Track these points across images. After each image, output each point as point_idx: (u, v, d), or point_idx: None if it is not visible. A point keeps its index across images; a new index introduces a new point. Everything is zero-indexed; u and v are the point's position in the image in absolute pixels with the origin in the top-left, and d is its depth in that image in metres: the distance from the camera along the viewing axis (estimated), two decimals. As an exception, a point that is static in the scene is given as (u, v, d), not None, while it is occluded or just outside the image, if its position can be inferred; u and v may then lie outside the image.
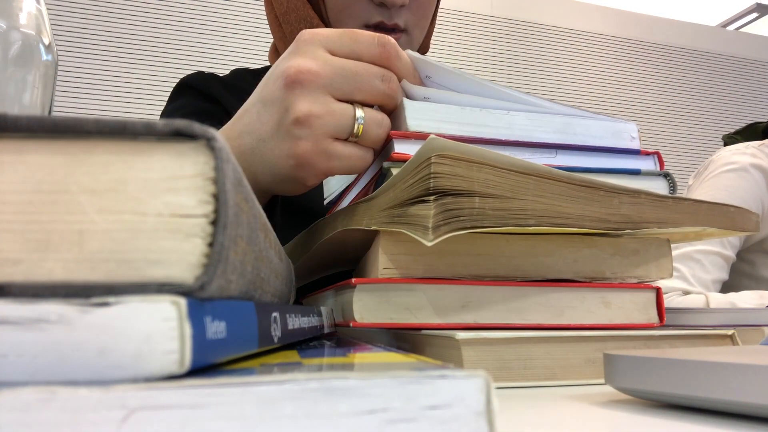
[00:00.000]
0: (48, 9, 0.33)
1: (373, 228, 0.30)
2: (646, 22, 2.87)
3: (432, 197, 0.28)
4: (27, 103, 0.32)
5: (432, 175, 0.27)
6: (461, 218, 0.27)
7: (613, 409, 0.21)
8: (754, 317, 0.40)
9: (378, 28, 0.66)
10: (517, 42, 2.62)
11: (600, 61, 2.76)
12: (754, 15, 3.04)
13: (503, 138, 0.36)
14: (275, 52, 0.79)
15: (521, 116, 0.36)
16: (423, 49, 0.75)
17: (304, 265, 0.43)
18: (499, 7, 2.61)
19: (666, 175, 0.37)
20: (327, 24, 0.70)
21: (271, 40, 0.79)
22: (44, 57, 0.33)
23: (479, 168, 0.28)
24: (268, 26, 0.76)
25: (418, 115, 0.35)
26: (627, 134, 0.38)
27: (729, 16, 3.10)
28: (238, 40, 2.20)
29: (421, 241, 0.27)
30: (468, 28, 2.52)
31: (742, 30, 3.12)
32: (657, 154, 0.38)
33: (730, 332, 0.32)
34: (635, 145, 0.38)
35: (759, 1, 2.95)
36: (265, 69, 0.81)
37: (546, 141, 0.36)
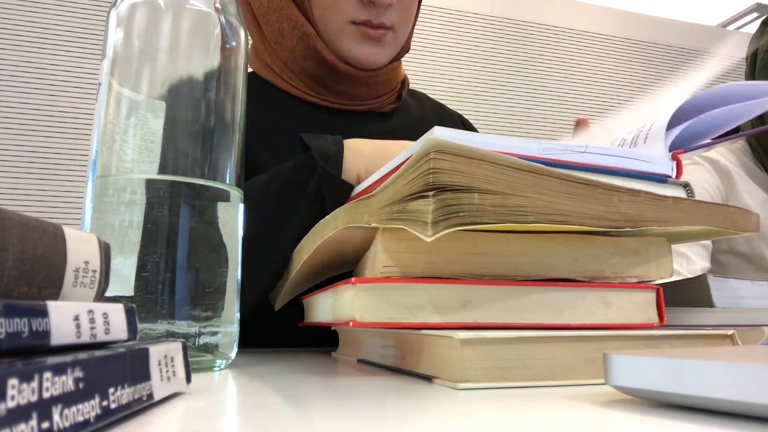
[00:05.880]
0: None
1: (373, 225, 0.30)
2: (646, 22, 2.86)
3: (431, 193, 0.27)
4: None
5: (431, 171, 0.27)
6: (461, 214, 0.27)
7: (613, 409, 0.21)
8: (754, 317, 0.40)
9: (365, 25, 0.66)
10: (517, 42, 2.62)
11: (600, 61, 2.75)
12: (754, 15, 3.03)
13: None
14: (254, 54, 0.75)
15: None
16: (404, 49, 0.74)
17: (305, 268, 0.43)
18: (499, 7, 2.61)
19: (685, 186, 0.37)
20: (312, 21, 0.68)
21: None
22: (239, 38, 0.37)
23: (479, 164, 0.28)
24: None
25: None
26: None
27: (729, 16, 3.09)
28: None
29: (421, 237, 0.27)
30: (468, 28, 2.51)
31: (742, 30, 3.12)
32: (676, 159, 0.38)
33: (730, 332, 0.32)
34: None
35: (759, 1, 2.95)
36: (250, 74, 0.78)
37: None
